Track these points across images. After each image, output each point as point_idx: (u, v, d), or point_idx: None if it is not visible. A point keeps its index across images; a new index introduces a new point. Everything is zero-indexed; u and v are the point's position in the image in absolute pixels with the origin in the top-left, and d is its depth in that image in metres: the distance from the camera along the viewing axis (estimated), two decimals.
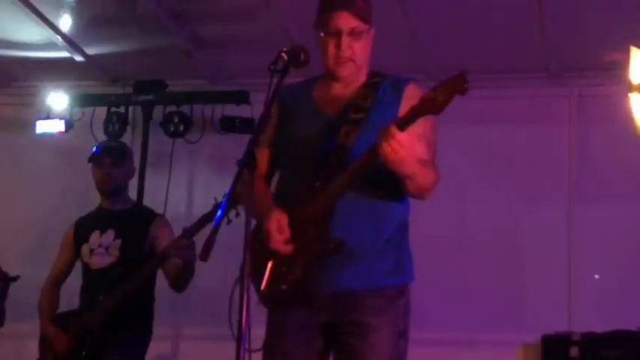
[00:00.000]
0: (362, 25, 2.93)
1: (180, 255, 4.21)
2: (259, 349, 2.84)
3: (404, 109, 2.83)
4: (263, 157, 3.02)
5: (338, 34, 2.92)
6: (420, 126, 2.77)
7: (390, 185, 2.86)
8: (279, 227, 2.82)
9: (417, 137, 2.79)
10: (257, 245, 2.83)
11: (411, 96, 2.90)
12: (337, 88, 3.02)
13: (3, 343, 5.70)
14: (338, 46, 2.92)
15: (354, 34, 2.92)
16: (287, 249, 2.82)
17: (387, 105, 2.94)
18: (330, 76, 3.01)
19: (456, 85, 2.69)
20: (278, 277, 2.82)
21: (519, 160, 5.79)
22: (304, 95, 2.97)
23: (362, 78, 3.02)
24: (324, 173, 2.88)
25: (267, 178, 3.08)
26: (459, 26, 5.34)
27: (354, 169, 2.81)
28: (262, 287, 2.78)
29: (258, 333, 2.74)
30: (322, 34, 2.95)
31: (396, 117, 2.80)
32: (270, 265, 2.75)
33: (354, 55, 2.94)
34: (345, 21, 2.91)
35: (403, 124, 2.71)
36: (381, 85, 3.00)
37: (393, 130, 2.68)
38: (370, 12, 2.98)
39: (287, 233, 2.82)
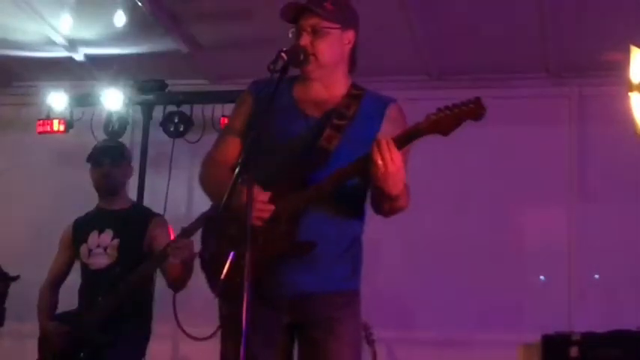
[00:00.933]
0: (325, 23, 2.94)
1: (177, 254, 4.19)
2: (205, 338, 2.82)
3: (385, 128, 2.91)
4: (232, 146, 3.04)
5: (300, 31, 2.96)
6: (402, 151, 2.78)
7: (356, 204, 2.96)
8: (262, 206, 2.81)
9: None
10: (215, 239, 2.83)
11: (393, 117, 2.97)
12: (316, 90, 3.03)
13: (3, 343, 5.71)
14: (298, 41, 2.96)
15: (315, 31, 2.94)
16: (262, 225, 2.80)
17: (369, 118, 2.97)
18: (303, 76, 3.03)
19: (471, 111, 2.71)
20: (237, 270, 2.78)
21: (519, 160, 5.79)
22: (283, 92, 2.93)
23: (342, 84, 3.05)
24: (303, 174, 2.90)
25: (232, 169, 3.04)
26: (459, 27, 5.35)
27: (339, 176, 2.83)
28: (222, 278, 2.72)
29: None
30: (290, 32, 3.00)
31: (376, 132, 2.88)
32: (231, 256, 2.69)
33: (315, 51, 2.94)
34: (306, 19, 2.95)
35: (403, 141, 2.75)
36: (363, 98, 3.02)
37: (391, 144, 2.71)
38: (342, 14, 3.00)
39: (268, 213, 2.81)
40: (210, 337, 2.80)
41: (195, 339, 2.83)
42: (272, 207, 2.82)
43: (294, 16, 2.98)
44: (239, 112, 3.11)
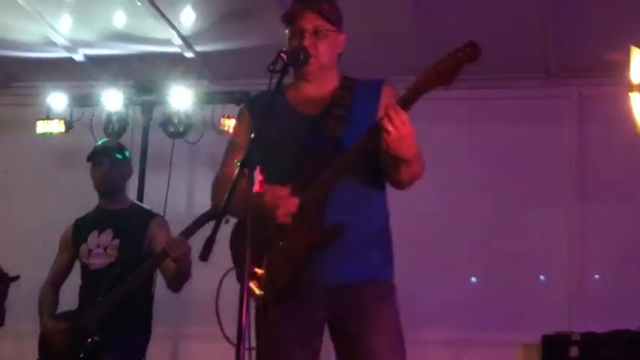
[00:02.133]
0: (326, 24, 3.00)
1: (174, 253, 4.19)
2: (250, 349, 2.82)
3: (384, 103, 2.94)
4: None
5: (302, 33, 2.99)
6: None
7: (377, 177, 2.97)
8: (283, 199, 2.84)
9: None
10: (244, 246, 2.84)
11: (389, 94, 3.02)
12: (310, 90, 3.08)
13: (3, 343, 5.70)
14: (300, 42, 2.99)
15: (317, 32, 2.99)
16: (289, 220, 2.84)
17: (366, 101, 3.03)
18: (299, 77, 3.07)
19: (466, 53, 2.74)
20: (274, 271, 2.81)
21: (519, 160, 5.79)
22: (278, 100, 2.94)
23: (334, 81, 3.10)
24: (317, 164, 2.92)
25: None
26: (458, 26, 5.34)
27: (352, 152, 2.86)
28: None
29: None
30: (288, 32, 3.04)
31: (375, 110, 2.94)
32: (265, 260, 2.74)
33: (316, 52, 2.99)
34: (309, 20, 2.99)
35: (410, 100, 2.78)
36: (356, 86, 3.08)
37: (397, 108, 2.74)
38: (339, 17, 3.07)
39: (293, 206, 2.85)
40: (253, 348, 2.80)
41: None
42: (295, 200, 2.85)
43: (291, 17, 3.02)
44: (240, 129, 3.14)
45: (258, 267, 2.78)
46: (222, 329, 2.88)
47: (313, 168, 2.92)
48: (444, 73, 2.75)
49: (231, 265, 2.99)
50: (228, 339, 2.87)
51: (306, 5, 3.01)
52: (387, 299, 3.00)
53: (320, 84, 3.07)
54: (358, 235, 2.92)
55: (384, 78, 3.11)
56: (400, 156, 2.80)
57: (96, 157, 4.59)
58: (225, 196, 2.63)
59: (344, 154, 2.87)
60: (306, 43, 2.97)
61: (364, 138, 2.83)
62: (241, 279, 2.94)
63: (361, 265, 2.94)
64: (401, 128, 2.73)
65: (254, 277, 2.79)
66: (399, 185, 2.98)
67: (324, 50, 3.00)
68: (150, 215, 4.65)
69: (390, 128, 2.73)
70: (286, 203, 2.85)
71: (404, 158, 2.81)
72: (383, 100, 3.01)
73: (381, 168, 2.95)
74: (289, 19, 3.03)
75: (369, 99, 3.03)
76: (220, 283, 2.97)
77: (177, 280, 4.37)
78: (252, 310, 2.84)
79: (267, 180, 3.02)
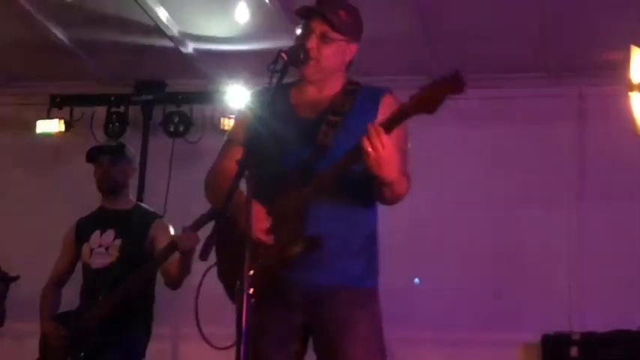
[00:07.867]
0: (334, 33, 2.98)
1: (183, 244, 4.18)
2: (228, 347, 2.82)
3: (381, 116, 2.88)
4: (235, 155, 3.03)
5: (309, 33, 2.99)
6: (393, 136, 2.79)
7: (365, 193, 2.91)
8: (258, 217, 2.83)
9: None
10: (226, 244, 2.85)
11: (388, 104, 2.97)
12: (312, 93, 3.07)
13: (3, 343, 5.70)
14: (304, 42, 2.98)
15: (323, 37, 2.98)
16: (267, 239, 2.84)
17: (364, 111, 2.99)
18: (302, 78, 3.06)
19: (451, 84, 2.69)
20: (254, 277, 2.79)
21: (519, 160, 5.79)
22: (280, 98, 2.96)
23: (337, 85, 3.07)
24: (305, 172, 2.90)
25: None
26: (459, 26, 5.35)
27: (336, 167, 2.84)
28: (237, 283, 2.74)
29: (225, 332, 2.73)
30: (296, 33, 3.03)
31: (372, 122, 2.85)
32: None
33: (319, 55, 2.98)
34: (318, 24, 2.98)
35: (390, 125, 2.74)
36: (358, 93, 3.05)
37: (379, 129, 2.71)
38: (352, 27, 3.03)
39: (267, 223, 2.85)
40: (230, 347, 2.80)
41: (217, 348, 2.83)
42: (266, 216, 2.84)
43: (305, 15, 3.02)
44: (239, 122, 3.16)
45: (239, 268, 2.76)
46: (200, 329, 2.87)
47: (297, 176, 2.90)
48: (428, 101, 2.69)
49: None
50: (207, 340, 2.87)
51: (323, 9, 2.99)
52: (365, 307, 2.95)
53: (321, 87, 3.06)
54: (337, 246, 2.90)
55: (386, 87, 3.07)
56: (381, 178, 2.76)
57: (95, 156, 4.61)
58: (225, 197, 2.63)
59: (325, 170, 2.85)
60: (310, 44, 2.96)
61: (346, 156, 2.81)
62: (220, 276, 3.00)
63: (340, 271, 2.92)
64: (380, 150, 2.69)
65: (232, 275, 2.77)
66: (382, 203, 2.97)
67: (328, 55, 2.98)
68: (152, 217, 4.65)
69: (369, 150, 2.70)
70: (260, 225, 2.83)
71: (385, 181, 2.78)
72: (381, 111, 2.97)
73: (368, 184, 2.89)
74: (303, 15, 3.02)
75: (366, 109, 2.99)
76: (202, 277, 2.97)
77: (177, 278, 4.35)
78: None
79: (256, 180, 3.01)
